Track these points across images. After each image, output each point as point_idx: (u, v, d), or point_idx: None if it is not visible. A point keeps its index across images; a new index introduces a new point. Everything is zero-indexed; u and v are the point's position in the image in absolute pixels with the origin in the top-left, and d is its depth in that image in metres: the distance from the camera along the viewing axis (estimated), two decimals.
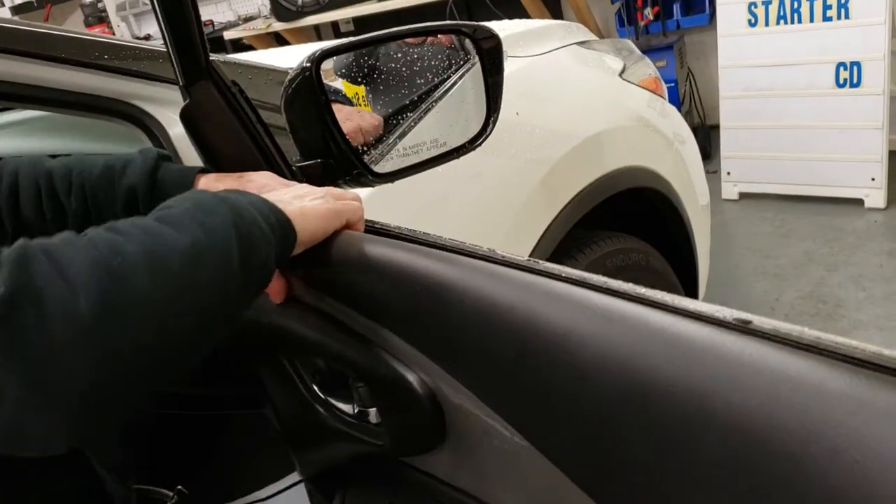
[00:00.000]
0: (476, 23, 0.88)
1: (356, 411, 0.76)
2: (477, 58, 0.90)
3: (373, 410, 0.74)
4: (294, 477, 1.59)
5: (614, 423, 0.46)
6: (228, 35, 5.12)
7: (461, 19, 4.27)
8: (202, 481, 1.48)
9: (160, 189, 0.80)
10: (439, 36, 1.09)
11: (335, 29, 5.18)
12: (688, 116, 4.45)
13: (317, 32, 5.11)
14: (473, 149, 0.90)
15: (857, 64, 3.20)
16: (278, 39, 4.97)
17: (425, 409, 0.64)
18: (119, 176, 0.81)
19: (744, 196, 3.77)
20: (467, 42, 0.92)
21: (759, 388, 0.39)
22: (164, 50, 0.82)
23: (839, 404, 0.36)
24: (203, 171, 0.83)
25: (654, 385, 0.43)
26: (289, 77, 0.85)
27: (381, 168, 0.89)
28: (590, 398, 0.48)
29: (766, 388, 0.38)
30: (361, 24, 4.89)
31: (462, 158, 0.95)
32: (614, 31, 4.47)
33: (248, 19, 5.53)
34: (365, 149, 0.92)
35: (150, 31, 5.81)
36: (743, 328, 0.42)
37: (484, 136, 0.89)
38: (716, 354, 0.42)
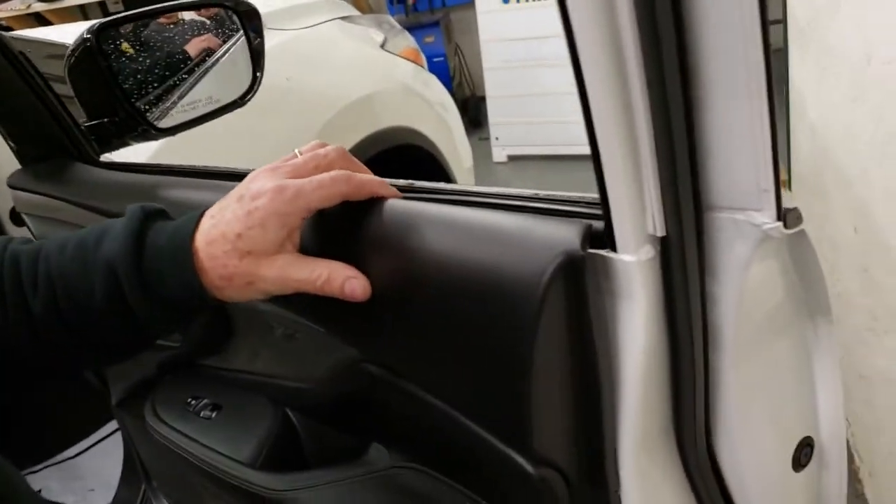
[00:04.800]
0: None
1: None
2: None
3: None
4: (102, 432, 1.67)
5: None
6: None
7: None
8: (11, 440, 1.52)
9: (150, 260, 0.57)
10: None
11: (103, 9, 5.00)
12: (459, 88, 4.79)
13: (83, 13, 4.90)
14: (244, 104, 1.05)
15: None
16: (40, 20, 4.72)
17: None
18: (93, 250, 0.59)
19: (512, 158, 4.16)
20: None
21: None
22: None
23: None
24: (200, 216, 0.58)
25: None
26: (70, 48, 0.96)
27: (163, 124, 1.02)
28: None
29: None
30: (131, 3, 4.76)
31: (244, 119, 1.09)
32: (385, 9, 4.70)
33: None
34: (147, 107, 1.04)
35: None
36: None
37: (251, 93, 1.05)
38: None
